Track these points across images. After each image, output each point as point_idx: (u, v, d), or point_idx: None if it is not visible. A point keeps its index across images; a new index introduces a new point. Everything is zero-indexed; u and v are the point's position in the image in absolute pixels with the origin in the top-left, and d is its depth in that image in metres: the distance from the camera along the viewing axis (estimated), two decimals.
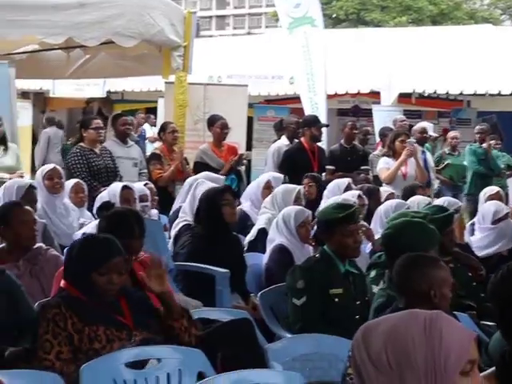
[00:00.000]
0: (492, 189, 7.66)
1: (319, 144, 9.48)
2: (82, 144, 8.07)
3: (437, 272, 3.48)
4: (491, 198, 7.21)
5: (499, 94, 14.84)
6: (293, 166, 8.89)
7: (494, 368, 2.50)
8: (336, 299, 4.56)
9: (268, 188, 7.13)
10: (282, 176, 7.79)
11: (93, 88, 17.59)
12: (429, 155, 10.29)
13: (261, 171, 9.82)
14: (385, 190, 7.90)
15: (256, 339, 3.82)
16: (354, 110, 17.46)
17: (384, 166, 8.98)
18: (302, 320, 4.48)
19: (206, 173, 7.35)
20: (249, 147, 15.87)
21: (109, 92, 18.48)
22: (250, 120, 17.15)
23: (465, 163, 11.27)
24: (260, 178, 7.50)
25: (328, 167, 9.39)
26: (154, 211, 7.28)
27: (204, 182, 6.49)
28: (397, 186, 8.36)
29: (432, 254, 3.67)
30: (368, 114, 15.29)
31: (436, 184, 11.28)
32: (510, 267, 2.54)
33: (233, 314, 4.25)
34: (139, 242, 4.16)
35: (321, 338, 3.68)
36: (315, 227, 5.10)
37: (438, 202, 6.53)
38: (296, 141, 9.54)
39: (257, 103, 17.50)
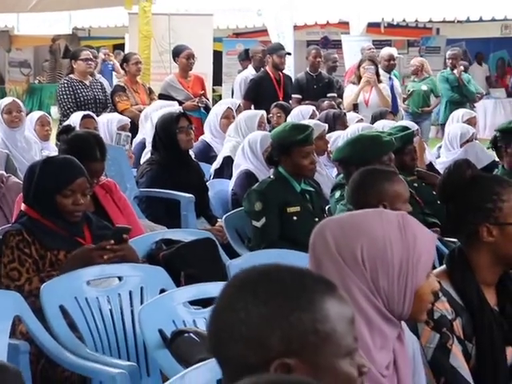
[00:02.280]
0: (468, 112, 7.70)
1: (286, 72, 9.45)
2: (71, 75, 8.11)
3: (389, 186, 3.44)
4: (469, 121, 7.26)
5: (468, 21, 14.77)
6: (258, 94, 8.86)
7: (443, 266, 2.52)
8: (294, 217, 4.60)
9: (227, 118, 7.07)
10: (237, 102, 7.73)
11: (58, 25, 17.30)
12: (396, 82, 10.26)
13: None
14: (355, 115, 7.91)
15: (218, 258, 3.83)
16: (323, 42, 17.34)
17: (348, 93, 8.96)
18: (264, 241, 4.51)
19: (160, 101, 7.28)
20: (219, 81, 15.76)
21: (75, 29, 18.20)
22: (219, 54, 17.05)
23: (425, 88, 11.19)
24: (217, 108, 7.45)
25: (294, 96, 9.37)
26: None
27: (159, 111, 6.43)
28: (360, 113, 8.36)
29: (388, 166, 3.64)
30: (338, 44, 15.19)
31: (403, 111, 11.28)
32: (456, 163, 2.55)
33: (196, 234, 4.26)
34: (100, 164, 4.12)
35: (282, 252, 3.70)
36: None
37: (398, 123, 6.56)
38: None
39: (225, 37, 17.33)
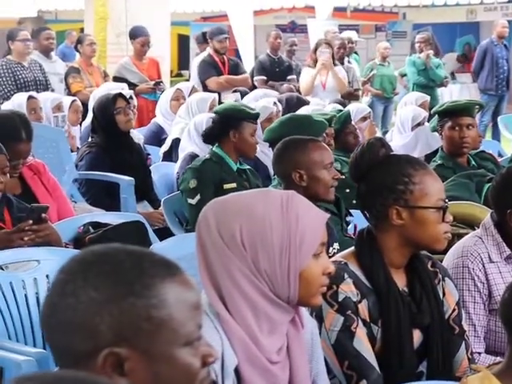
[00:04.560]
0: (422, 96, 7.63)
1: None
2: (8, 57, 7.91)
3: (303, 153, 3.40)
4: (422, 105, 7.20)
5: (433, 5, 14.72)
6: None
7: (352, 247, 2.44)
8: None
9: (177, 99, 6.97)
10: (190, 85, 7.62)
11: (22, 7, 17.05)
12: (355, 65, 10.22)
13: None
14: (316, 102, 7.81)
15: (147, 242, 3.74)
16: (291, 26, 17.26)
17: (304, 76, 8.87)
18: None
19: (109, 84, 7.16)
20: (186, 66, 15.64)
21: (41, 11, 17.95)
22: (186, 38, 16.90)
23: (395, 73, 11.19)
24: (169, 90, 7.34)
25: (259, 77, 9.31)
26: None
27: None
28: (316, 96, 8.28)
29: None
30: (306, 29, 15.11)
31: (368, 97, 11.23)
32: (370, 141, 2.46)
33: (125, 217, 4.15)
34: (26, 145, 4.00)
35: None
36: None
37: (348, 107, 6.48)
38: None
39: (193, 21, 17.19)
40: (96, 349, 1.33)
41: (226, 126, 4.68)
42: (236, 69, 9.06)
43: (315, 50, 8.86)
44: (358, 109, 6.50)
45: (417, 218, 2.36)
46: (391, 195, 2.36)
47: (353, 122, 5.53)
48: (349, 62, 9.74)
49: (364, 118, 6.40)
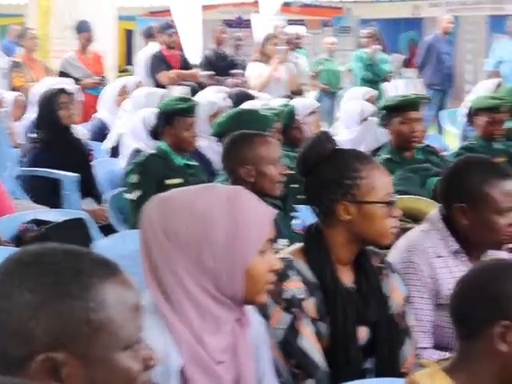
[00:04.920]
0: (369, 90, 7.64)
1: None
2: None
3: (250, 148, 3.37)
4: (369, 99, 7.20)
5: (378, 1, 14.81)
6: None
7: (299, 244, 2.41)
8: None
9: (122, 94, 6.88)
10: (137, 79, 7.54)
11: None
12: (303, 60, 10.24)
13: None
14: (264, 97, 7.78)
15: (87, 239, 3.67)
16: (237, 21, 17.21)
17: (254, 71, 8.83)
18: (138, 214, 4.34)
19: (50, 79, 7.06)
20: (132, 61, 15.49)
21: None
22: (133, 33, 16.75)
23: (340, 68, 11.23)
24: (112, 85, 7.24)
25: (207, 72, 9.28)
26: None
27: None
28: (271, 91, 8.25)
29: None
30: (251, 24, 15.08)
31: (316, 91, 11.25)
32: (317, 135, 2.42)
33: (68, 214, 4.07)
34: None
35: None
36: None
37: (293, 101, 6.46)
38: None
39: (139, 16, 17.03)
40: (32, 354, 1.27)
41: (163, 122, 4.66)
42: (186, 63, 9.01)
43: (264, 44, 8.81)
44: (305, 103, 6.47)
45: (364, 213, 2.33)
46: (339, 190, 2.33)
47: (301, 117, 5.51)
48: (296, 57, 9.75)
49: (311, 113, 6.37)
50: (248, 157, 3.36)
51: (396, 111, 4.61)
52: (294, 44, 9.96)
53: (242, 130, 3.51)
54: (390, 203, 2.34)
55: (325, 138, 2.42)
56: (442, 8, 15.54)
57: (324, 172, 2.36)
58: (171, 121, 4.60)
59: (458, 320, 1.88)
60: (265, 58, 8.85)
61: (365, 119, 6.56)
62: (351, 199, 2.33)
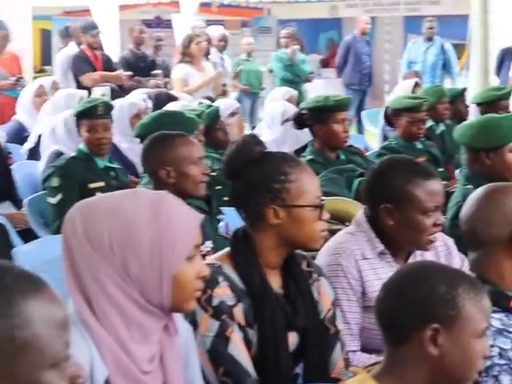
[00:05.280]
0: (289, 91, 7.64)
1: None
2: None
3: (170, 149, 3.32)
4: (289, 100, 7.20)
5: (296, 1, 14.89)
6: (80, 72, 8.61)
7: (227, 248, 2.36)
8: (97, 193, 4.37)
9: (39, 96, 6.74)
10: (53, 79, 7.40)
11: None
12: (227, 61, 10.25)
13: None
14: (186, 98, 7.72)
15: (7, 245, 3.56)
16: (156, 21, 17.08)
17: (180, 75, 8.72)
18: (59, 218, 4.27)
19: None
20: (49, 61, 15.21)
21: None
22: (49, 33, 16.45)
23: (261, 69, 11.24)
24: (29, 87, 7.10)
25: (126, 73, 9.16)
26: None
27: None
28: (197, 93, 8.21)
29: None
30: (171, 24, 14.98)
31: (236, 92, 11.22)
32: (244, 138, 2.38)
33: None
34: None
35: None
36: None
37: (217, 103, 6.43)
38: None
39: (55, 15, 16.74)
40: None
41: (77, 123, 4.71)
42: (109, 64, 8.88)
43: (189, 44, 8.73)
44: (226, 104, 6.44)
45: (294, 217, 2.30)
46: (268, 194, 2.29)
47: (222, 118, 5.48)
48: (222, 58, 9.77)
49: (233, 114, 6.34)
50: (168, 158, 3.31)
51: (326, 111, 4.58)
52: (221, 46, 9.99)
53: (161, 132, 3.45)
54: (319, 206, 2.31)
55: (252, 140, 2.38)
56: (358, 9, 15.70)
57: (252, 175, 2.32)
58: (79, 123, 4.63)
59: (386, 325, 1.86)
60: (188, 58, 8.77)
61: (286, 120, 6.57)
62: (281, 203, 2.29)
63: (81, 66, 8.60)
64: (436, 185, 2.66)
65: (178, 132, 3.45)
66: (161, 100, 6.88)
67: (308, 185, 2.31)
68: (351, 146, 4.85)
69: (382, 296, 1.86)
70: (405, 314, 1.80)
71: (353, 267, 2.69)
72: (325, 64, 16.46)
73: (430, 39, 11.25)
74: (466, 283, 1.81)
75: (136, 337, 1.81)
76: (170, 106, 5.96)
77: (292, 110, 6.68)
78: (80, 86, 8.20)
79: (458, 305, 1.78)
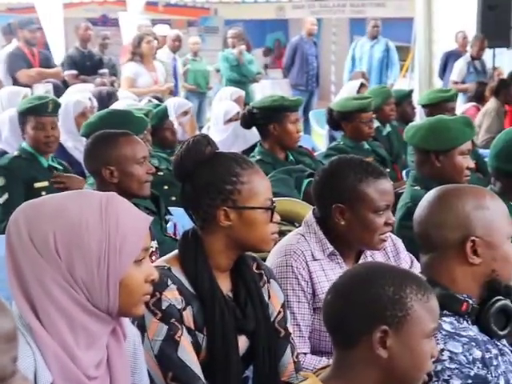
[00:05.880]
0: (237, 91, 7.60)
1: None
2: None
3: (113, 149, 3.27)
4: (238, 100, 7.17)
5: (243, 2, 14.87)
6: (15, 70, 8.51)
7: (176, 250, 2.32)
8: (43, 192, 4.32)
9: None
10: None
11: None
12: (179, 63, 10.20)
13: None
14: (132, 97, 7.63)
15: None
16: (102, 19, 16.91)
17: (130, 74, 8.64)
18: (6, 218, 4.18)
19: None
20: None
21: None
22: None
23: (208, 68, 11.20)
24: None
25: (69, 72, 9.07)
26: None
27: None
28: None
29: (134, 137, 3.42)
30: (118, 23, 14.85)
31: (183, 92, 11.16)
32: (195, 138, 2.33)
33: None
34: None
35: None
36: None
37: (166, 102, 6.37)
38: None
39: None
40: None
41: (20, 122, 4.62)
42: (47, 61, 8.75)
43: (139, 43, 8.66)
44: (178, 103, 6.40)
45: (245, 219, 2.26)
46: (219, 196, 2.25)
47: (174, 117, 5.43)
48: (174, 58, 9.74)
49: (185, 113, 6.31)
50: (111, 157, 3.26)
51: (279, 111, 4.55)
52: (176, 46, 9.99)
53: (105, 130, 3.39)
54: (270, 209, 2.28)
55: (203, 140, 2.33)
56: (305, 10, 15.73)
57: (203, 176, 2.27)
58: (22, 121, 4.54)
59: (334, 328, 1.82)
60: (138, 57, 8.70)
61: (230, 120, 6.53)
62: (232, 205, 2.25)
63: (16, 62, 8.47)
64: (386, 184, 2.66)
65: (121, 131, 3.39)
66: (105, 98, 6.81)
67: (259, 186, 2.28)
68: (300, 146, 4.84)
69: (330, 299, 1.83)
70: (353, 316, 1.77)
71: (303, 268, 2.66)
72: (271, 65, 16.50)
73: (374, 37, 11.32)
74: (414, 284, 1.79)
75: (82, 342, 1.76)
76: (117, 105, 5.89)
77: (235, 109, 6.65)
78: (16, 83, 8.04)
79: (406, 306, 1.76)
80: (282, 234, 2.88)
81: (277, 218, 2.29)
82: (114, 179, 3.26)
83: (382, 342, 1.75)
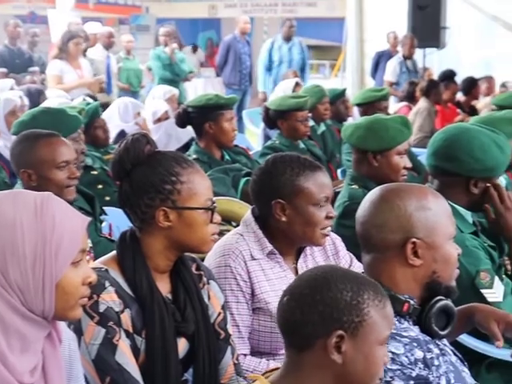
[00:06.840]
0: (170, 89, 7.52)
1: None
2: None
3: (35, 151, 3.18)
4: (171, 99, 7.12)
5: (175, 0, 14.81)
6: None
7: (114, 251, 2.25)
8: None
9: None
10: None
11: None
12: (113, 61, 10.08)
13: None
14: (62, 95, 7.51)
15: None
16: (31, 17, 16.64)
17: (56, 71, 8.49)
18: None
19: None
20: None
21: None
22: None
23: (140, 67, 11.09)
24: None
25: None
26: None
27: None
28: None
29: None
30: (47, 20, 14.62)
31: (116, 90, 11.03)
32: (134, 136, 2.26)
33: None
34: None
35: None
36: None
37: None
38: None
39: None
40: None
41: None
42: None
43: (67, 41, 8.51)
44: (130, 103, 6.33)
45: (185, 220, 2.21)
46: (158, 195, 2.19)
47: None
48: (108, 56, 9.63)
49: (138, 114, 6.25)
50: (29, 160, 3.17)
51: (218, 109, 4.51)
52: (110, 43, 9.87)
53: (30, 130, 3.28)
54: (211, 209, 2.23)
55: (143, 139, 2.27)
56: (237, 9, 15.73)
57: (142, 176, 2.21)
58: None
59: (288, 331, 1.79)
60: (65, 55, 8.55)
61: (158, 119, 6.47)
62: (171, 205, 2.20)
63: None
64: (324, 177, 2.65)
65: (47, 132, 3.27)
66: (34, 96, 6.69)
67: (200, 186, 2.23)
68: (236, 145, 4.81)
69: (286, 301, 1.79)
70: (310, 320, 1.74)
71: (241, 268, 2.63)
72: (204, 63, 16.44)
73: (289, 39, 11.25)
74: (371, 289, 1.77)
75: (16, 347, 1.69)
76: (50, 103, 5.77)
77: (163, 109, 6.59)
78: None
79: (363, 311, 1.74)
80: (220, 233, 2.83)
81: (217, 218, 2.25)
82: (33, 183, 3.16)
83: (336, 346, 1.73)
